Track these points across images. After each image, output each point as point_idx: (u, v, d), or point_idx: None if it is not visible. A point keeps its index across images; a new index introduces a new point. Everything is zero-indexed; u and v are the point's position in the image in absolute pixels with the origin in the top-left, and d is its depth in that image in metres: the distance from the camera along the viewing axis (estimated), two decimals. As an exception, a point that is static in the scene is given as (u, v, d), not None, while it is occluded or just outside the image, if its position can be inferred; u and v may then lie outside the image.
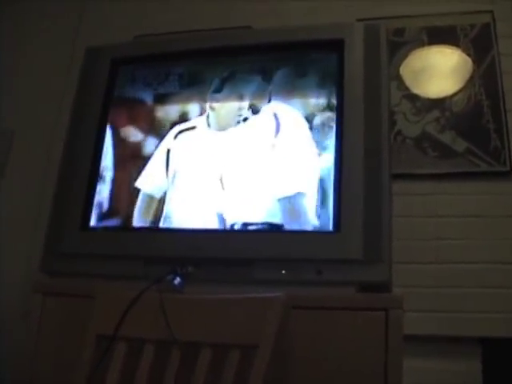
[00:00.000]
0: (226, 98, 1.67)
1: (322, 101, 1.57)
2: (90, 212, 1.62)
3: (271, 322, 1.13)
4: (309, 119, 1.56)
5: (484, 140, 2.39)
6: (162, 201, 1.59)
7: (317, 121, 1.55)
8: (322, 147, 1.52)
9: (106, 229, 1.61)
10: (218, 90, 1.67)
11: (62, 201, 1.64)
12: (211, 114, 1.65)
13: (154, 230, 1.56)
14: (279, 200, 1.50)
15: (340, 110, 1.53)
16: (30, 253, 2.34)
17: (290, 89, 1.63)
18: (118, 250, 1.54)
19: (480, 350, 2.16)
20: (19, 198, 2.53)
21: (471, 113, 2.46)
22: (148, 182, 1.63)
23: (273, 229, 1.48)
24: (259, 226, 1.49)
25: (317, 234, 1.44)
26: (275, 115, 1.59)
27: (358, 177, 1.44)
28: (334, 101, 1.55)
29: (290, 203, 1.49)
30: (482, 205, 2.32)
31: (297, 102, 1.60)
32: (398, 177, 2.11)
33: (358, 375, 1.26)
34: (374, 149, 1.47)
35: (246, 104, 1.63)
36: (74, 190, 1.63)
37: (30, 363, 1.47)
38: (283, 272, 1.40)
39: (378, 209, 1.41)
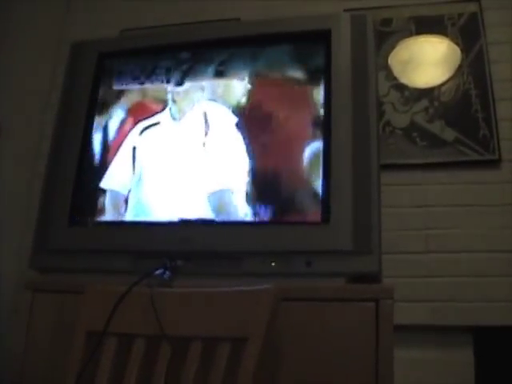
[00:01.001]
0: (187, 91, 1.67)
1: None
2: (78, 208, 1.61)
3: (261, 314, 1.12)
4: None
5: (473, 129, 2.40)
6: (128, 197, 1.60)
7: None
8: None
9: (94, 224, 1.60)
10: (180, 83, 1.68)
11: (51, 197, 1.63)
12: (173, 107, 1.66)
13: (142, 224, 1.56)
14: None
15: (328, 101, 1.52)
16: (20, 250, 2.33)
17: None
18: (106, 245, 1.53)
19: (472, 338, 2.17)
20: (9, 195, 2.52)
21: (460, 102, 2.47)
22: (114, 179, 1.64)
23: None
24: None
25: (306, 225, 1.44)
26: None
27: (347, 168, 1.44)
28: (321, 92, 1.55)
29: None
30: (471, 194, 2.33)
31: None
32: (387, 167, 2.12)
33: (349, 366, 1.26)
34: (362, 139, 1.47)
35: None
36: (61, 187, 1.62)
37: (21, 360, 1.47)
38: (273, 264, 1.40)
39: (367, 199, 1.41)
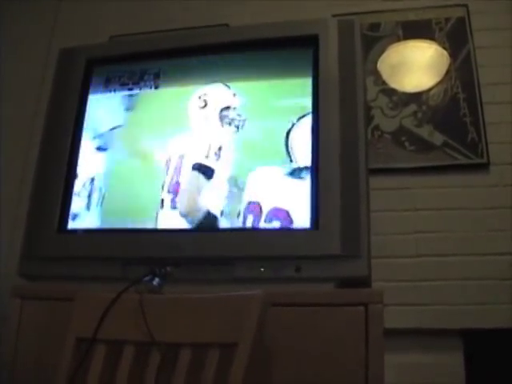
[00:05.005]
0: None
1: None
2: (68, 214, 1.60)
3: (250, 320, 1.12)
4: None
5: (461, 133, 2.42)
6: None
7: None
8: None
9: (84, 231, 1.60)
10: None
11: (39, 204, 1.63)
12: None
13: (131, 231, 1.55)
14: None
15: (316, 106, 1.53)
16: (8, 257, 2.32)
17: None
18: (95, 252, 1.53)
19: (462, 341, 2.17)
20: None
21: (448, 106, 2.48)
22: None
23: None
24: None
25: (295, 231, 1.44)
26: None
27: (335, 173, 1.44)
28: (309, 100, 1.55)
29: None
30: (460, 197, 2.34)
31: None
32: (376, 171, 2.13)
33: (340, 371, 1.26)
34: (350, 144, 1.47)
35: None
36: (50, 193, 1.61)
37: (10, 367, 1.46)
38: (262, 270, 1.40)
39: (356, 204, 1.41)
